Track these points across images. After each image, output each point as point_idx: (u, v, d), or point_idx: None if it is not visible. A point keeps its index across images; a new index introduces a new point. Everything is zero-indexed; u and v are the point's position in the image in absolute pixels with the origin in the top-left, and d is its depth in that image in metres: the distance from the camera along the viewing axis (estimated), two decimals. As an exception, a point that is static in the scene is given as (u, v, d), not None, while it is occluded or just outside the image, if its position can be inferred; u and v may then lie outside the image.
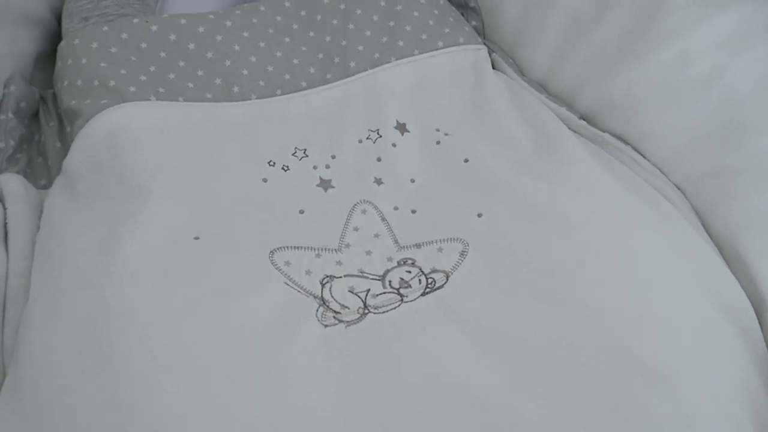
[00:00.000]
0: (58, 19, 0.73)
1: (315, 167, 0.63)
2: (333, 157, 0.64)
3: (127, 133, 0.58)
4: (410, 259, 0.57)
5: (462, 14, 0.79)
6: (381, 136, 0.66)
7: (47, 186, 0.64)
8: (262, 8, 0.70)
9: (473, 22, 0.79)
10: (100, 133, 0.58)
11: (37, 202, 0.60)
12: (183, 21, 0.67)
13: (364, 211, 0.61)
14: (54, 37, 0.73)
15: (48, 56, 0.72)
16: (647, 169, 0.63)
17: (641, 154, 0.64)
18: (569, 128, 0.67)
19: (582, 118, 0.68)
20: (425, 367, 0.49)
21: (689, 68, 0.58)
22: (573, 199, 0.58)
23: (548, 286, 0.52)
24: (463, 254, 0.56)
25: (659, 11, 0.59)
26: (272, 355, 0.48)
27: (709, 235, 0.58)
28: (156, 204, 0.54)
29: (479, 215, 0.59)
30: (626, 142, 0.65)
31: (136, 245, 0.51)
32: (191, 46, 0.66)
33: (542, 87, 0.73)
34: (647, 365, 0.46)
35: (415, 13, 0.72)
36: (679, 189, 0.61)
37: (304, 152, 0.64)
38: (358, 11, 0.71)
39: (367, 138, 0.66)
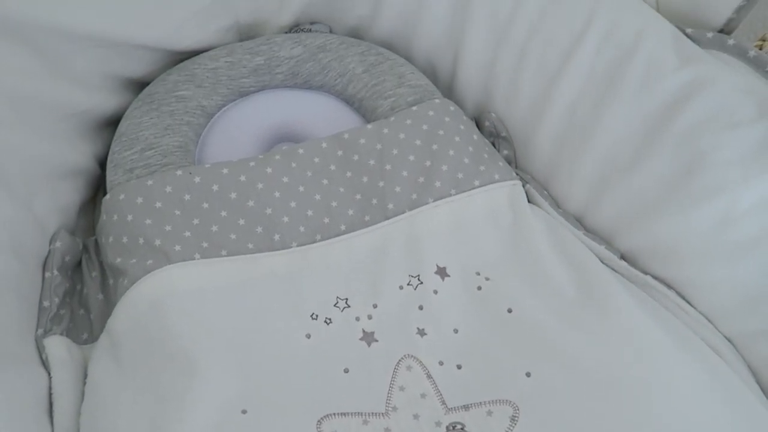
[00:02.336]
0: (101, 165, 0.74)
1: (357, 318, 0.63)
2: (375, 306, 0.64)
3: (174, 301, 0.58)
4: (459, 423, 0.56)
5: (493, 143, 0.80)
6: (422, 282, 0.66)
7: (89, 340, 0.63)
8: (301, 151, 0.72)
9: (505, 151, 0.80)
10: (146, 299, 0.58)
11: (81, 362, 0.60)
12: (225, 170, 0.68)
13: (409, 368, 0.60)
14: (96, 183, 0.74)
15: (89, 202, 0.73)
16: (694, 318, 0.62)
17: (687, 301, 0.63)
18: (610, 268, 0.67)
19: (622, 257, 0.68)
20: None
21: (735, 227, 0.57)
22: (622, 358, 0.57)
23: None
24: (513, 419, 0.55)
25: (700, 167, 0.59)
26: None
27: (765, 393, 0.57)
28: (203, 378, 0.53)
29: (527, 374, 0.58)
30: (670, 287, 0.64)
31: (185, 429, 0.50)
32: (233, 195, 0.67)
33: (579, 221, 0.73)
34: None
35: (451, 152, 0.72)
36: (729, 341, 0.60)
37: (346, 302, 0.64)
38: (395, 151, 0.72)
39: (408, 284, 0.66)
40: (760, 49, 0.62)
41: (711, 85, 0.61)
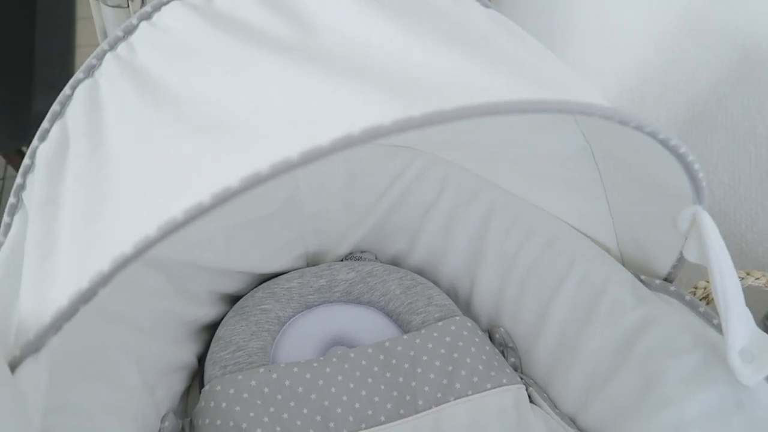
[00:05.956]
0: (199, 360, 0.97)
1: (392, 498, 0.79)
2: (407, 488, 0.80)
3: None
4: None
5: (502, 352, 1.00)
6: (445, 471, 0.82)
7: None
8: (352, 355, 0.93)
9: (512, 359, 0.99)
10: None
11: None
12: (295, 369, 0.89)
13: None
14: (194, 374, 0.96)
15: (186, 389, 0.95)
16: None
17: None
18: (598, 464, 0.83)
19: (609, 454, 0.84)
20: None
21: (687, 434, 0.75)
22: None
23: None
24: None
25: (655, 384, 0.78)
26: None
27: None
28: None
29: None
30: (653, 482, 0.80)
31: None
32: (300, 389, 0.87)
33: (573, 420, 0.90)
34: None
35: (468, 360, 0.93)
36: None
37: (384, 485, 0.81)
38: (424, 357, 0.93)
39: (433, 469, 0.83)
40: (694, 295, 0.85)
41: (659, 321, 0.82)
